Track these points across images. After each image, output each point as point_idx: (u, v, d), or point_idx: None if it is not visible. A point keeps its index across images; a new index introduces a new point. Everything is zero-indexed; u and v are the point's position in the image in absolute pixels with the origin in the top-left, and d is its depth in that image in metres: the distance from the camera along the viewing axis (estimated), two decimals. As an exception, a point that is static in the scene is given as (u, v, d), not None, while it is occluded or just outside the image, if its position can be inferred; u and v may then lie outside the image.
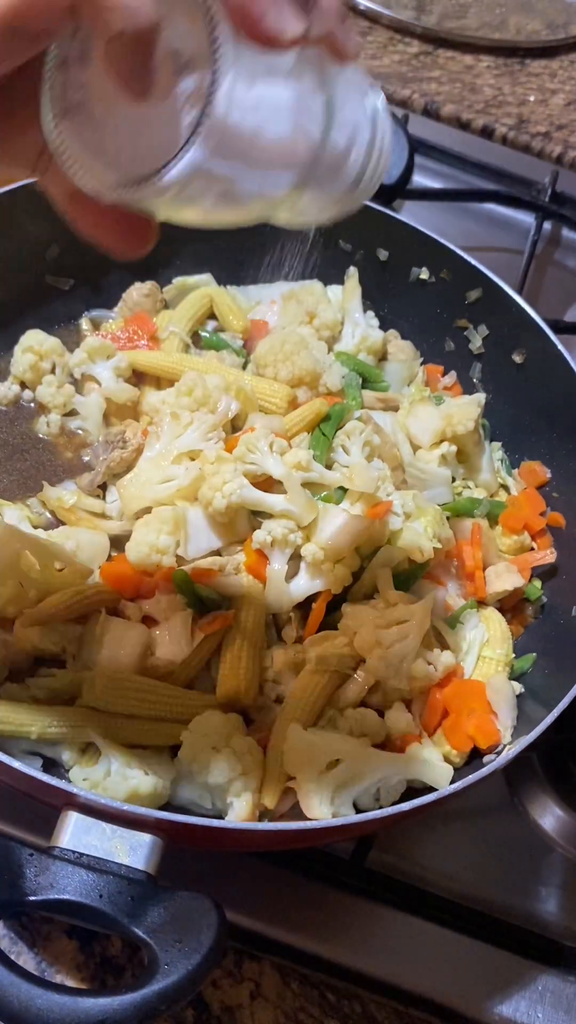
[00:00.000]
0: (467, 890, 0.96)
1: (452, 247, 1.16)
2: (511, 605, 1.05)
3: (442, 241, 1.16)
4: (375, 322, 1.22)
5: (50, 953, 0.86)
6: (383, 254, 1.20)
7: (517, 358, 1.14)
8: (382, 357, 1.20)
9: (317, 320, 1.17)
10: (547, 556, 1.06)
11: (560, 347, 1.09)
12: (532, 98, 1.73)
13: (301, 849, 0.93)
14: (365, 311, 1.21)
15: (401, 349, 1.20)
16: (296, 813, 0.84)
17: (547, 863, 1.01)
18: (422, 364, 1.21)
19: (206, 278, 1.21)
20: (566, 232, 1.57)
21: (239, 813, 0.82)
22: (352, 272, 1.21)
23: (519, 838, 1.01)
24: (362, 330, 1.18)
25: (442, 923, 0.93)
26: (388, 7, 1.78)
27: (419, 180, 1.55)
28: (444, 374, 1.21)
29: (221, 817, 0.84)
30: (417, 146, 1.55)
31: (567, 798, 1.03)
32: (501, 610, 1.03)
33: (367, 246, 1.20)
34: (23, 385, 1.12)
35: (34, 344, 1.09)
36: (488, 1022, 0.90)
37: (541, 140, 1.66)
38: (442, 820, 1.00)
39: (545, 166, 1.61)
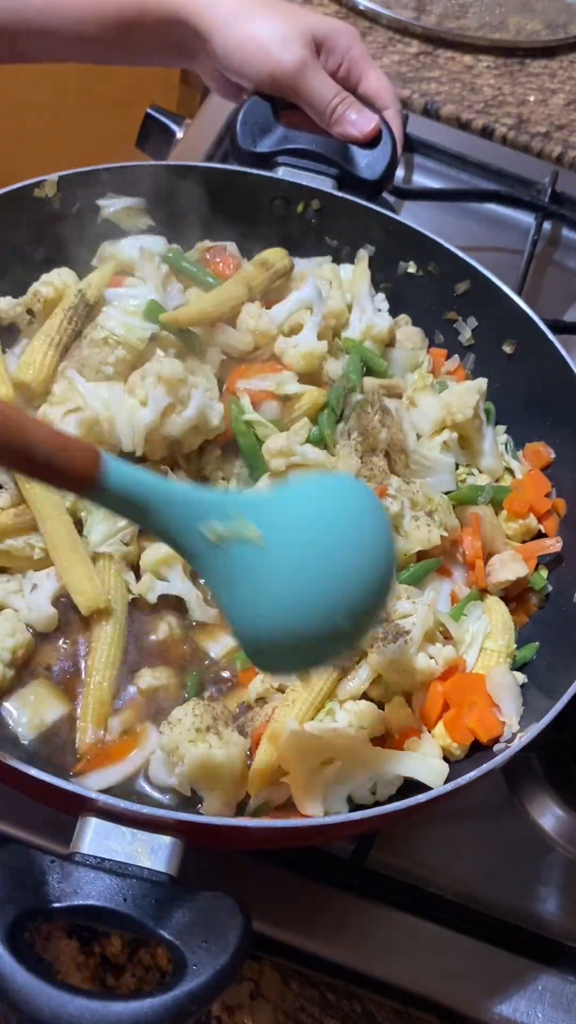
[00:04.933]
0: (467, 890, 0.96)
1: (438, 239, 1.15)
2: (516, 594, 1.04)
3: (427, 234, 1.15)
4: (385, 305, 1.19)
5: (50, 953, 0.86)
6: (369, 248, 1.19)
7: (507, 349, 1.14)
8: (389, 343, 1.17)
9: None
10: (553, 545, 1.05)
11: (551, 336, 1.08)
12: (532, 98, 1.73)
13: (303, 849, 0.93)
14: (376, 293, 1.18)
15: (409, 337, 1.18)
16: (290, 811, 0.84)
17: (547, 863, 1.01)
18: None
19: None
20: (566, 232, 1.57)
21: (210, 807, 0.82)
22: (363, 254, 1.18)
23: (519, 838, 1.01)
24: (368, 317, 1.15)
25: (442, 923, 0.93)
26: (388, 7, 1.77)
27: (419, 180, 1.55)
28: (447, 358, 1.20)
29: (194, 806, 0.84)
30: (417, 146, 1.56)
31: (567, 798, 1.03)
32: (506, 599, 1.02)
33: (354, 241, 1.19)
34: None
35: None
36: (488, 1022, 0.90)
37: (541, 140, 1.66)
38: (442, 820, 1.00)
39: (545, 166, 1.61)
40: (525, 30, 1.84)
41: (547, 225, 1.53)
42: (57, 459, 0.60)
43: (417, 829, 0.99)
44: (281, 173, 1.17)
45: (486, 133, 1.65)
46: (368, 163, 1.20)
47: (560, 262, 1.56)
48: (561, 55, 1.84)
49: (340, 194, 1.16)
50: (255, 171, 1.15)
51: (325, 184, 1.17)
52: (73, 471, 0.61)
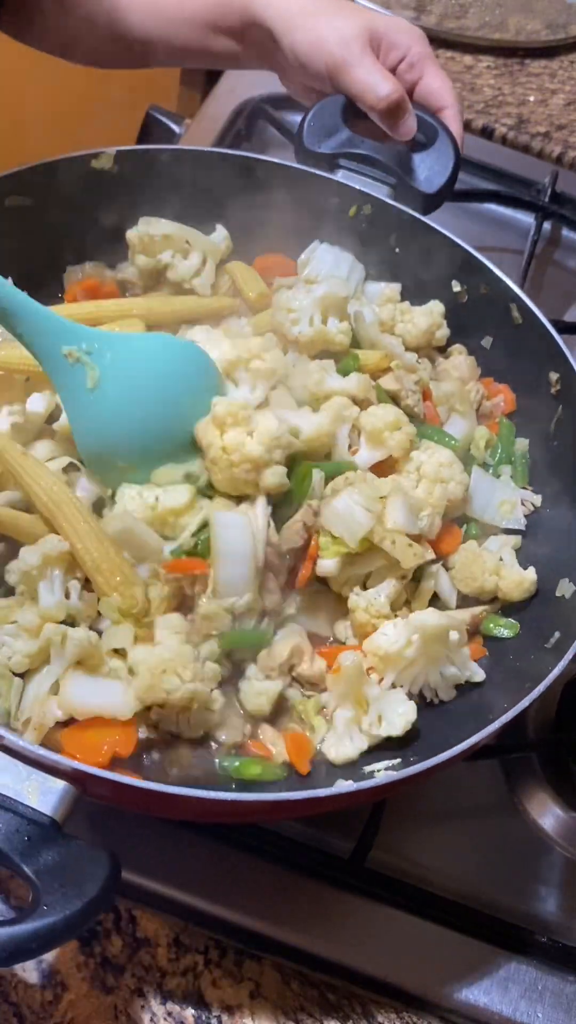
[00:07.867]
0: (467, 890, 0.96)
1: (484, 259, 1.13)
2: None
3: (473, 252, 1.14)
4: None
5: (49, 953, 0.86)
6: (392, 239, 1.18)
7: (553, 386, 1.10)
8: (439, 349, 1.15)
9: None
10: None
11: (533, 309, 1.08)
12: (532, 98, 1.73)
13: (301, 847, 0.93)
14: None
15: (457, 367, 1.13)
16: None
17: (547, 863, 1.01)
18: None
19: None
20: (566, 232, 1.57)
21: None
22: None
23: (519, 838, 1.01)
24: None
25: (442, 923, 0.93)
26: (388, 7, 1.78)
27: (419, 180, 1.55)
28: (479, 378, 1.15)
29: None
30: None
31: (567, 798, 1.03)
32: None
33: (398, 251, 1.17)
34: None
35: None
36: (487, 1021, 0.90)
37: (541, 140, 1.66)
38: (442, 820, 1.00)
39: (545, 166, 1.61)
40: (525, 30, 1.84)
41: (547, 225, 1.53)
42: None
43: (417, 829, 0.99)
44: (340, 175, 1.16)
45: (486, 133, 1.65)
46: (427, 176, 1.17)
47: (560, 262, 1.56)
48: (561, 55, 1.84)
49: (392, 203, 1.15)
50: (311, 169, 1.15)
51: (380, 192, 1.16)
52: None
